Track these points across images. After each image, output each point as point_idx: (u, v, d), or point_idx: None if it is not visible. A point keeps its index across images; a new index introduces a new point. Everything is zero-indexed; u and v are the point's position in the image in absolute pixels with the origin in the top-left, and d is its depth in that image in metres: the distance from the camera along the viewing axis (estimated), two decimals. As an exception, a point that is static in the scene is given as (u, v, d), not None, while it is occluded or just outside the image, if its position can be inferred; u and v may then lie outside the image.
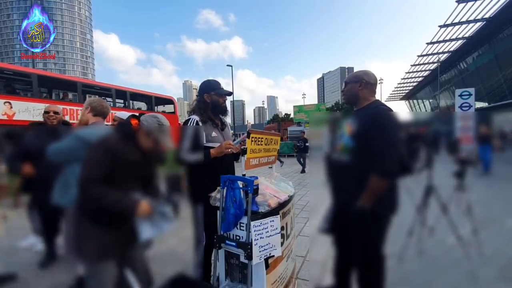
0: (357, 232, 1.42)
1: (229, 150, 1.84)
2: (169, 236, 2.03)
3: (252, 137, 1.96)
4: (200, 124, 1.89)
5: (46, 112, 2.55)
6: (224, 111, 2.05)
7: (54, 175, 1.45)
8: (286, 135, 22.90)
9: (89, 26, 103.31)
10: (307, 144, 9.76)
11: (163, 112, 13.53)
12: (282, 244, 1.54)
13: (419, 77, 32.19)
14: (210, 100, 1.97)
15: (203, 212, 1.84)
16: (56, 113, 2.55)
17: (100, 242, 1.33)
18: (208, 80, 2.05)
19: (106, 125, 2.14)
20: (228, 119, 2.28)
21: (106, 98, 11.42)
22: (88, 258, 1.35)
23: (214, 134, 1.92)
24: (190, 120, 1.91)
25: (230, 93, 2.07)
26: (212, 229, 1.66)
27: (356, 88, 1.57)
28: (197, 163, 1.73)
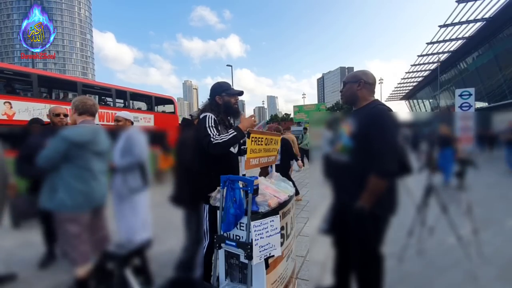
0: (356, 232, 1.41)
1: (254, 122, 1.99)
2: (169, 236, 2.03)
3: (252, 137, 1.95)
4: (217, 121, 1.87)
5: (56, 115, 2.54)
6: (236, 112, 2.06)
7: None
8: (286, 135, 22.97)
9: (89, 26, 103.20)
10: None
11: (163, 112, 13.54)
12: (282, 244, 1.54)
13: (419, 77, 32.17)
14: (222, 102, 1.98)
15: (208, 212, 1.84)
16: (66, 115, 2.56)
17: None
18: (218, 82, 2.07)
19: (107, 124, 2.15)
20: None
21: (106, 98, 11.42)
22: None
23: None
24: (208, 117, 1.84)
25: (241, 93, 2.08)
26: (215, 229, 1.65)
27: (355, 88, 1.56)
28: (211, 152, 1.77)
